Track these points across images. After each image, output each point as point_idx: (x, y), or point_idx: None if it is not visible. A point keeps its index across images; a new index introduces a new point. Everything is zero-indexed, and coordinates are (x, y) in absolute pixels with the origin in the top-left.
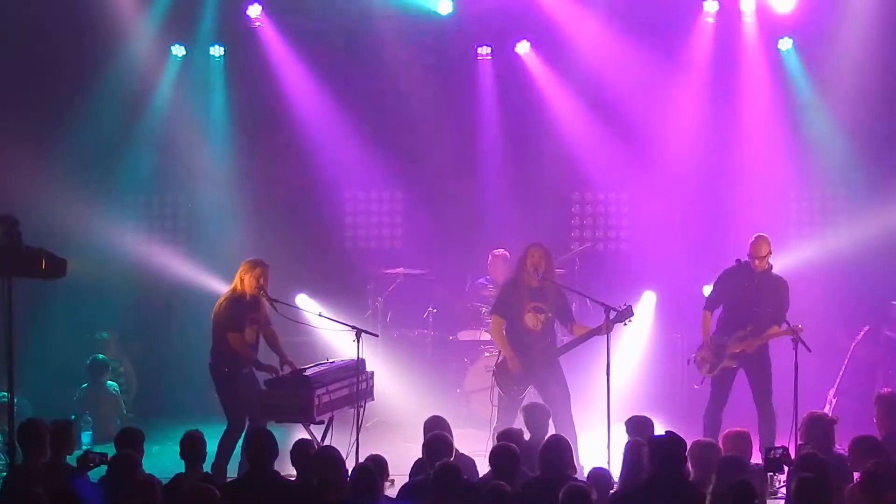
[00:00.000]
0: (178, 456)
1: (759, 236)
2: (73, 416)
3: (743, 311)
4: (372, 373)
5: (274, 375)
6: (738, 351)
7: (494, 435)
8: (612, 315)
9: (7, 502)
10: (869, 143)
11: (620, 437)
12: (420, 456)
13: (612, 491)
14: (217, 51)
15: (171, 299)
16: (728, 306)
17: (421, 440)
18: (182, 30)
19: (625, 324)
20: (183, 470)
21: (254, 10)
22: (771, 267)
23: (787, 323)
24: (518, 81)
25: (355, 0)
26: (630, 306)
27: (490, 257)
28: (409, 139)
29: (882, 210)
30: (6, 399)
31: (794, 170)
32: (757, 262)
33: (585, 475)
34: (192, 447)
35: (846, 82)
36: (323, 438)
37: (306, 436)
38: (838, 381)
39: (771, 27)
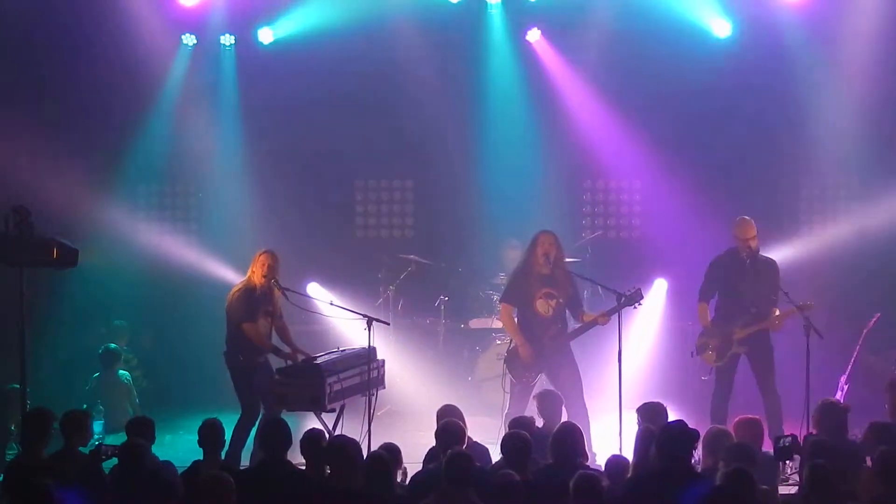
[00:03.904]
0: (196, 444)
1: (743, 218)
2: (84, 406)
3: (741, 297)
4: (383, 361)
5: (291, 363)
6: (745, 335)
7: (506, 422)
8: (621, 301)
9: (12, 492)
10: (880, 128)
11: (632, 424)
12: (432, 444)
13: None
14: (227, 39)
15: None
16: (724, 294)
17: (432, 428)
18: (193, 19)
19: (635, 307)
20: (197, 458)
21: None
22: (758, 249)
23: (792, 301)
24: (529, 69)
25: None
26: (639, 289)
27: (505, 250)
28: (420, 127)
29: (893, 196)
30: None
31: (805, 157)
32: (750, 242)
33: (598, 462)
34: (210, 435)
35: (857, 67)
36: (334, 427)
37: (318, 424)
38: (850, 368)
39: (779, 14)
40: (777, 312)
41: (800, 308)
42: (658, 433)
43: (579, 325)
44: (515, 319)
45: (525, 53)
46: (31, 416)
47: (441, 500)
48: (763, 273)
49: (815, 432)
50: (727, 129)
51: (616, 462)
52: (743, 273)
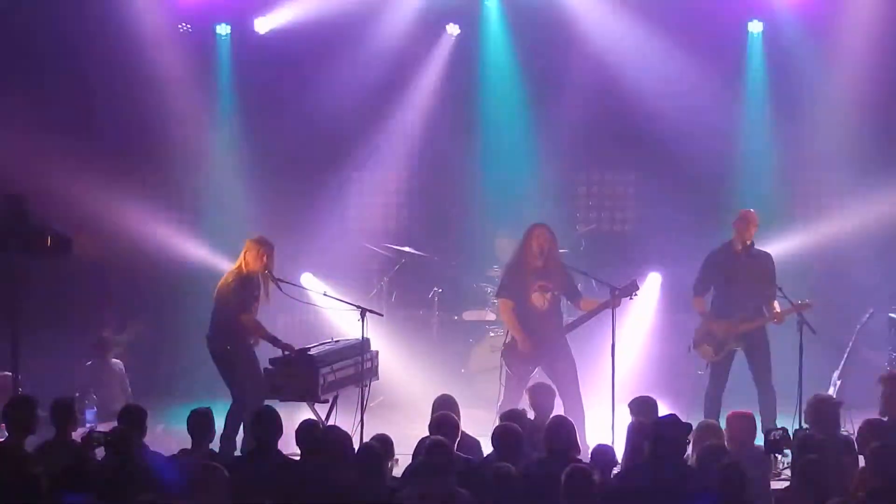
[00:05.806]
0: (186, 432)
1: (747, 210)
2: (77, 394)
3: (737, 292)
4: (377, 352)
5: (288, 353)
6: (743, 331)
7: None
8: (616, 293)
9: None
10: (875, 124)
11: (624, 418)
12: (425, 435)
13: (615, 469)
14: (223, 29)
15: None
16: (720, 288)
17: (425, 420)
18: (189, 7)
19: (630, 298)
20: (187, 447)
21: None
22: (753, 243)
23: (790, 300)
24: (524, 60)
25: None
26: (634, 280)
27: (497, 241)
28: (414, 119)
29: (888, 191)
30: None
31: (800, 151)
32: (753, 229)
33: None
34: (200, 424)
35: (848, 64)
36: (327, 418)
37: (311, 415)
38: (843, 363)
39: (772, 9)
40: (777, 306)
41: (798, 307)
42: (651, 427)
43: (575, 318)
44: (514, 313)
45: (520, 45)
46: (12, 403)
47: (422, 490)
48: (759, 267)
49: (806, 427)
50: (722, 123)
51: (601, 451)
52: (738, 267)
